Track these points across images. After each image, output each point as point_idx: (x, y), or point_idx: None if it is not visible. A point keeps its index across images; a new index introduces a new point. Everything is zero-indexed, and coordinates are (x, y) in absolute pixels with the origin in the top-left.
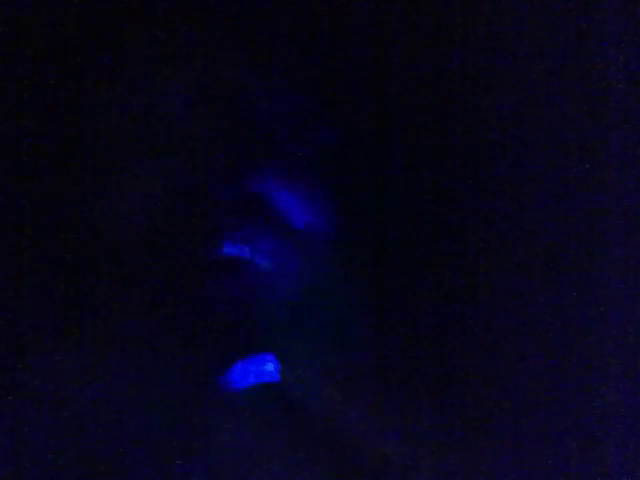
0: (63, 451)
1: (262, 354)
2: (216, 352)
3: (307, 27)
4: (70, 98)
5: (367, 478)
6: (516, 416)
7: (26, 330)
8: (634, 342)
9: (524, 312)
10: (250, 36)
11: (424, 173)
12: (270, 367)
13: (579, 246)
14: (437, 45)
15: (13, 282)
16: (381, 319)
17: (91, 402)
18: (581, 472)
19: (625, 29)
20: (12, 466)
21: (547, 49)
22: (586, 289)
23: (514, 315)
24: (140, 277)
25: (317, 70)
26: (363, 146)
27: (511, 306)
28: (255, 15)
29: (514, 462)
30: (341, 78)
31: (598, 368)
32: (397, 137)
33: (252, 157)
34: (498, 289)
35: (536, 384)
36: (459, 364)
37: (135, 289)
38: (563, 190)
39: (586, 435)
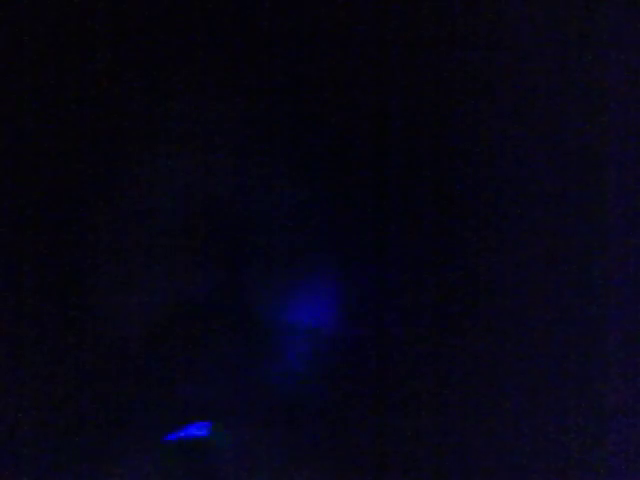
0: (63, 451)
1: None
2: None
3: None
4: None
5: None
6: (516, 416)
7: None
8: (634, 342)
9: (524, 312)
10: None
11: (424, 174)
12: (202, 428)
13: (579, 246)
14: (437, 45)
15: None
16: (381, 319)
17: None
18: (581, 472)
19: (625, 29)
20: (12, 466)
21: (547, 49)
22: (586, 289)
23: (514, 315)
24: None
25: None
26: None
27: (511, 306)
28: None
29: (514, 462)
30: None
31: (598, 368)
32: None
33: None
34: (498, 289)
35: (536, 384)
36: (459, 364)
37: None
38: (563, 190)
39: (586, 435)
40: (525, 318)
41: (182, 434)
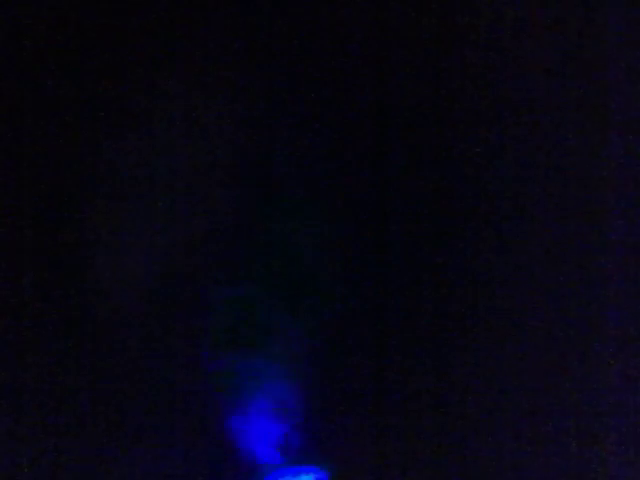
0: (63, 451)
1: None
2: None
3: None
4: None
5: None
6: (516, 416)
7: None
8: (634, 342)
9: (524, 312)
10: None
11: (424, 174)
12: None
13: (579, 246)
14: (437, 45)
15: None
16: (381, 320)
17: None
18: (581, 472)
19: (625, 29)
20: (12, 466)
21: (547, 49)
22: (586, 289)
23: (514, 315)
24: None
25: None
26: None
27: (511, 306)
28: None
29: (514, 462)
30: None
31: (598, 368)
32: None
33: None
34: (498, 289)
35: (536, 384)
36: (459, 364)
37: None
38: (563, 190)
39: (586, 435)
40: (525, 318)
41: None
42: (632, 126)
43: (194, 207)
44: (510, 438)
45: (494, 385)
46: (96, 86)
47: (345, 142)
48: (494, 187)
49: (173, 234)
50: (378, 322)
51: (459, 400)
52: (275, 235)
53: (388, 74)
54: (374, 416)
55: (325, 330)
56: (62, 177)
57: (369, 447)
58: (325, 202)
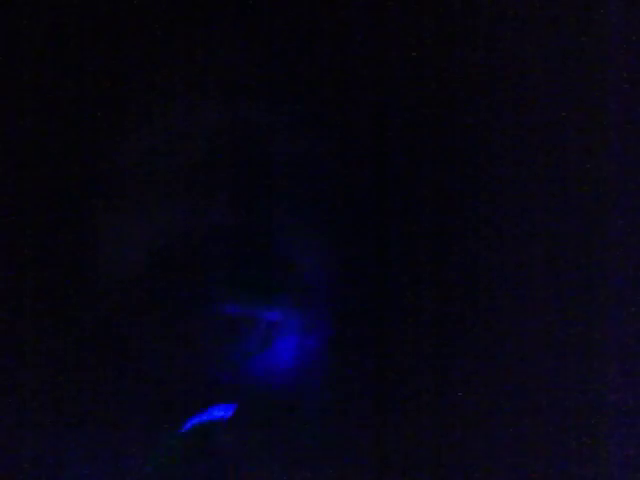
0: (63, 451)
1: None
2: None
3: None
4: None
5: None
6: (516, 416)
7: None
8: (634, 342)
9: (524, 312)
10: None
11: (423, 173)
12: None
13: (579, 246)
14: (437, 45)
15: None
16: (381, 320)
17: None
18: (581, 472)
19: (625, 29)
20: (12, 466)
21: (547, 49)
22: (586, 289)
23: (514, 315)
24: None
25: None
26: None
27: (511, 306)
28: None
29: (514, 462)
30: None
31: (598, 368)
32: (396, 140)
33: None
34: (498, 289)
35: (536, 384)
36: (459, 364)
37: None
38: (563, 190)
39: (586, 435)
40: (525, 318)
41: (203, 417)
42: (632, 126)
43: (194, 207)
44: (510, 438)
45: (494, 385)
46: (96, 86)
47: (345, 142)
48: (494, 187)
49: (173, 234)
50: (378, 322)
51: (459, 400)
52: (275, 235)
53: (388, 74)
54: (374, 416)
55: (325, 330)
56: (62, 177)
57: (369, 447)
58: (325, 202)
